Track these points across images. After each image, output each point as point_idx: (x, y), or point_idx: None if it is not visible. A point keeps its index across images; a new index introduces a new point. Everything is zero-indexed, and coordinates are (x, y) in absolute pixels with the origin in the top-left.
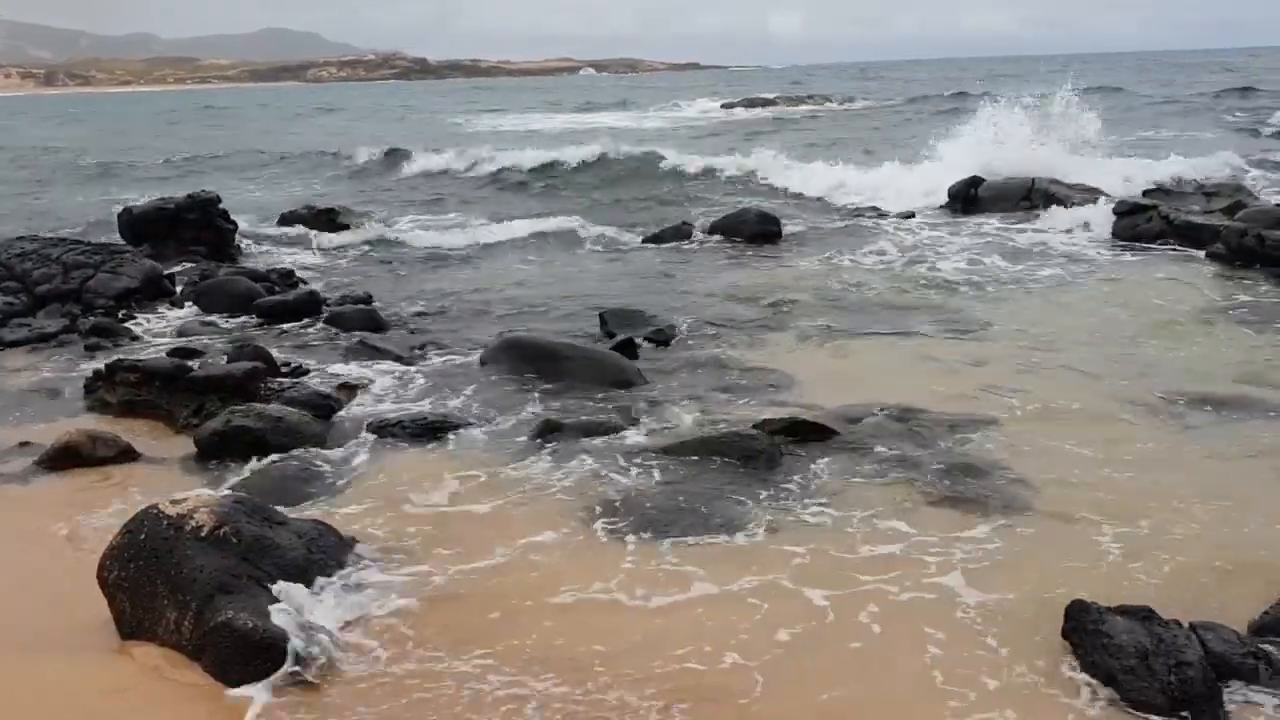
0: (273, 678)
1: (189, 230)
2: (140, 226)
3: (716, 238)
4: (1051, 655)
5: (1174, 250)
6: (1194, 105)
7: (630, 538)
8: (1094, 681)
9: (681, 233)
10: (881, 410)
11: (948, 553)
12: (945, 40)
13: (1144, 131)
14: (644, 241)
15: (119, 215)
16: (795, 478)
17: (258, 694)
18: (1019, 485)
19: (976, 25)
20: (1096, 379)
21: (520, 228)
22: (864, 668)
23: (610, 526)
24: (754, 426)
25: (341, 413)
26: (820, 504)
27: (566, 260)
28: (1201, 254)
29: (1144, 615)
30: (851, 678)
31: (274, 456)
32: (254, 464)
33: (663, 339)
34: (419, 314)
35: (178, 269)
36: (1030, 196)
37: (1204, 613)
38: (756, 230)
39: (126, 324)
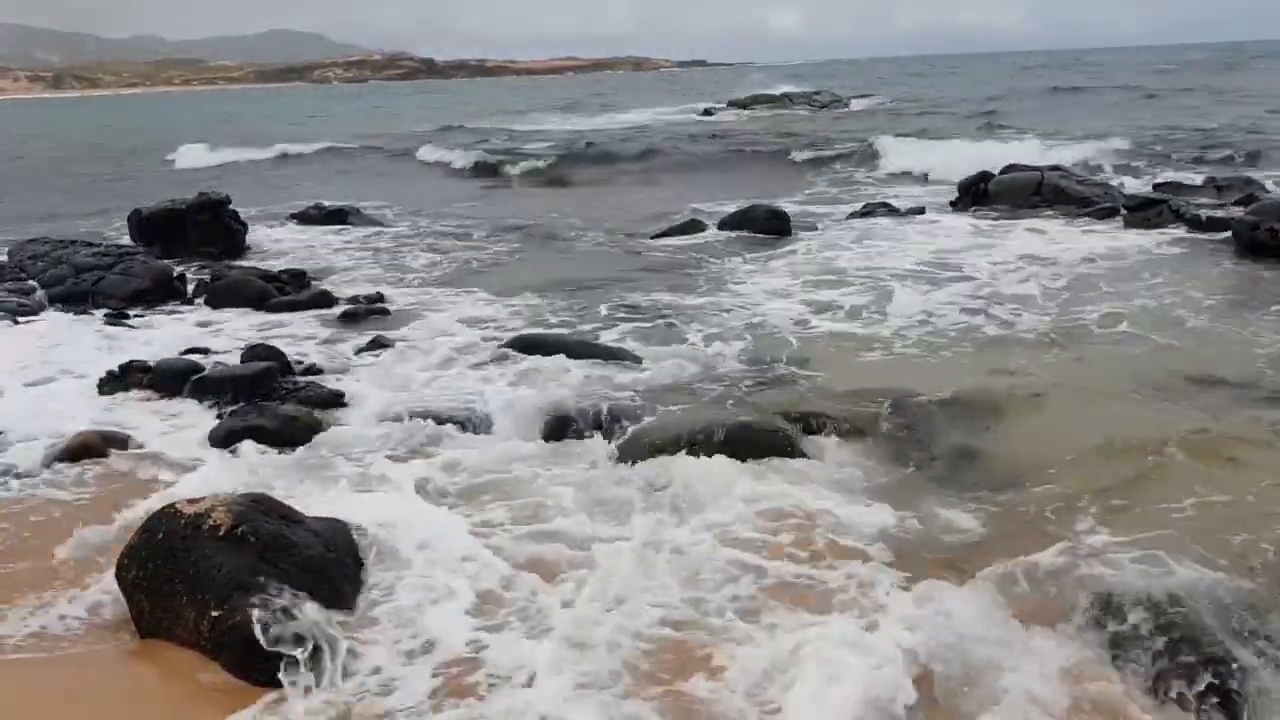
0: (292, 676)
1: (199, 231)
2: (150, 228)
3: (727, 233)
4: (1066, 636)
5: (1184, 244)
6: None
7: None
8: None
9: (693, 227)
10: (896, 399)
11: (958, 541)
12: (953, 36)
13: None
14: (654, 237)
15: (129, 217)
16: (813, 466)
17: (277, 692)
18: (1027, 467)
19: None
20: (1112, 369)
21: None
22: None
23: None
24: (772, 414)
25: (356, 410)
26: (837, 488)
27: (569, 255)
28: (1213, 247)
29: (1158, 600)
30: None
31: (289, 455)
32: (269, 462)
33: (669, 330)
34: (426, 307)
35: (188, 270)
36: (1040, 191)
37: (1221, 594)
38: (765, 225)
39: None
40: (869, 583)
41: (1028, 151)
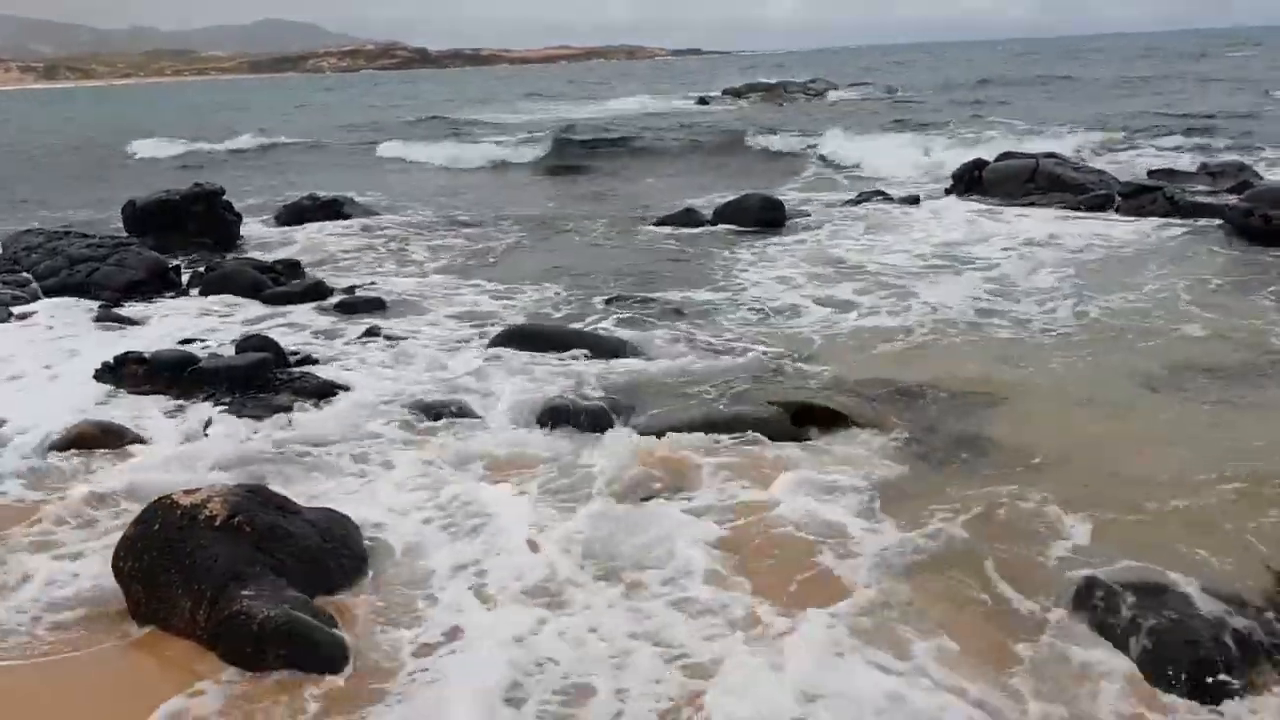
0: (291, 664)
1: (193, 222)
2: (144, 218)
3: (721, 225)
4: (1065, 628)
5: (1179, 231)
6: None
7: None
8: (1110, 655)
9: (688, 218)
10: (883, 385)
11: (958, 528)
12: (953, 22)
13: None
14: (647, 227)
15: (123, 208)
16: (811, 458)
17: (274, 681)
18: (1030, 454)
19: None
20: (1107, 355)
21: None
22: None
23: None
24: (767, 404)
25: (351, 399)
26: (834, 483)
27: (565, 245)
28: (1207, 233)
29: (1157, 590)
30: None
31: (284, 445)
32: (264, 453)
33: (669, 321)
34: (422, 297)
35: (183, 261)
36: (1034, 179)
37: (1213, 581)
38: (760, 216)
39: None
40: (859, 601)
41: (1003, 146)
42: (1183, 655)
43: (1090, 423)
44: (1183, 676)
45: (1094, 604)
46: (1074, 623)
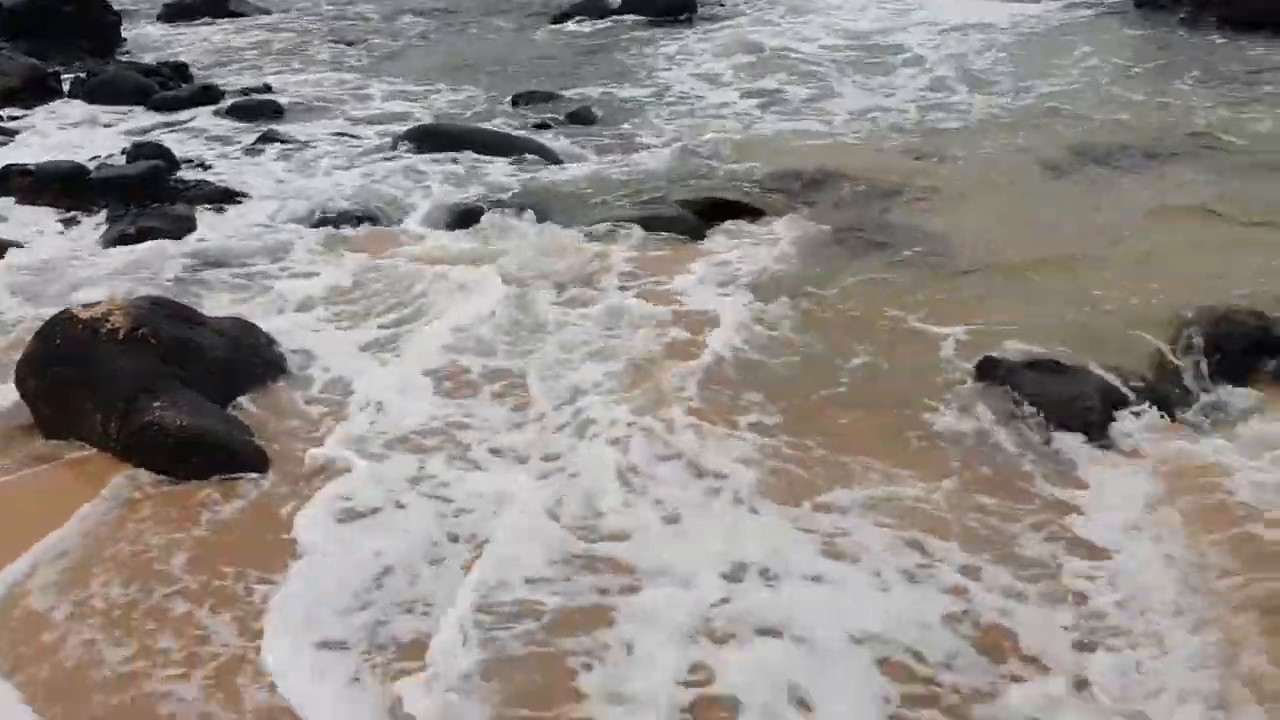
0: (207, 470)
1: (69, 24)
2: (13, 21)
3: (631, 14)
4: (968, 399)
5: (1090, 11)
6: None
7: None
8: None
9: (595, 7)
10: (803, 180)
11: (865, 316)
12: None
13: None
14: (552, 22)
15: None
16: (718, 255)
17: (192, 486)
18: (942, 243)
19: None
20: (1015, 137)
21: None
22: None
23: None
24: (680, 201)
25: (253, 208)
26: (736, 275)
27: (471, 40)
28: (1117, 13)
29: (1052, 368)
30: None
31: (184, 256)
32: (164, 263)
33: (581, 120)
34: (321, 99)
35: (61, 67)
36: None
37: (1113, 355)
38: (671, 2)
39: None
40: (767, 405)
41: None
42: (1078, 408)
43: (1004, 209)
44: (1079, 425)
45: (995, 376)
46: (977, 392)
